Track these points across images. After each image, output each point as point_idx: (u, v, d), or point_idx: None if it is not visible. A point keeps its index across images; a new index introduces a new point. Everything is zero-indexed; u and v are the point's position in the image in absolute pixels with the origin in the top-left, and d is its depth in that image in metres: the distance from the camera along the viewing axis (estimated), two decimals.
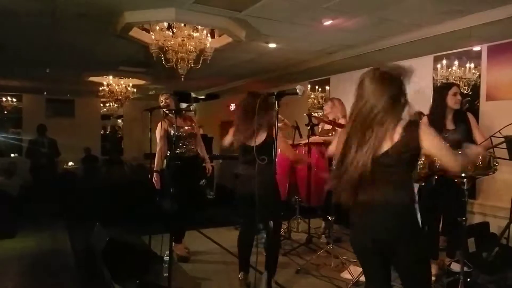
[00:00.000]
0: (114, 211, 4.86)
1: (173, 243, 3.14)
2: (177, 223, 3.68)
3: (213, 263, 3.72)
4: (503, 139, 2.76)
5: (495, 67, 4.23)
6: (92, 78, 7.77)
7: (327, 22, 3.97)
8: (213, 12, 3.76)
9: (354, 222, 1.78)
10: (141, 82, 8.07)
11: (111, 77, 7.78)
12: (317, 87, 6.92)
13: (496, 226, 3.76)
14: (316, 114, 6.37)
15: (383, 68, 1.70)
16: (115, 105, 8.77)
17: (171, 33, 4.03)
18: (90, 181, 7.48)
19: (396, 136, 1.63)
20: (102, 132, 11.92)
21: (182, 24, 4.00)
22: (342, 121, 3.96)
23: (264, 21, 3.99)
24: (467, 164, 1.81)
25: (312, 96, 7.01)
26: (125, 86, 8.07)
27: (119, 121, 12.27)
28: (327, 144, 4.08)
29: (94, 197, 5.58)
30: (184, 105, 3.82)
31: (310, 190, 4.16)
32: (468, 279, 2.64)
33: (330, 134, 4.12)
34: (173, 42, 4.00)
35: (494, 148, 2.77)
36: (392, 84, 1.67)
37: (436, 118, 3.07)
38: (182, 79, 4.42)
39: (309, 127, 4.19)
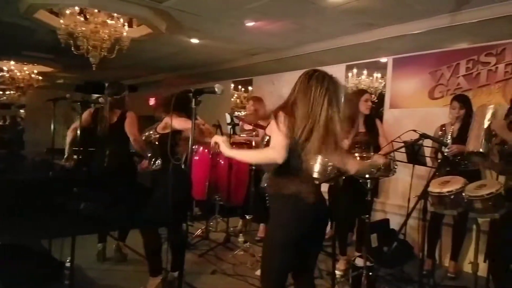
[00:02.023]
0: (9, 211, 4.31)
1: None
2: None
3: (122, 268, 3.45)
4: (402, 144, 3.04)
5: (398, 78, 4.67)
6: None
7: (250, 24, 4.00)
8: (131, 0, 3.54)
9: (300, 213, 1.82)
10: (48, 69, 7.30)
11: (12, 62, 6.94)
12: (240, 86, 6.96)
13: (395, 222, 4.16)
14: (238, 114, 6.41)
15: None
16: (16, 93, 7.85)
17: (82, 19, 3.70)
18: None
19: None
20: (0, 123, 10.60)
21: (96, 10, 3.70)
22: (262, 122, 3.98)
23: (187, 15, 3.87)
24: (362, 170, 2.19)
25: (235, 95, 7.03)
26: (29, 73, 7.27)
27: (21, 111, 11.00)
28: (249, 144, 4.11)
29: None
30: (94, 96, 3.52)
31: (230, 189, 4.15)
32: (370, 273, 2.86)
33: (252, 135, 4.16)
34: (84, 28, 3.67)
35: (394, 152, 3.05)
36: None
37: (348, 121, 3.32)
38: (94, 68, 4.09)
39: (230, 126, 4.18)
